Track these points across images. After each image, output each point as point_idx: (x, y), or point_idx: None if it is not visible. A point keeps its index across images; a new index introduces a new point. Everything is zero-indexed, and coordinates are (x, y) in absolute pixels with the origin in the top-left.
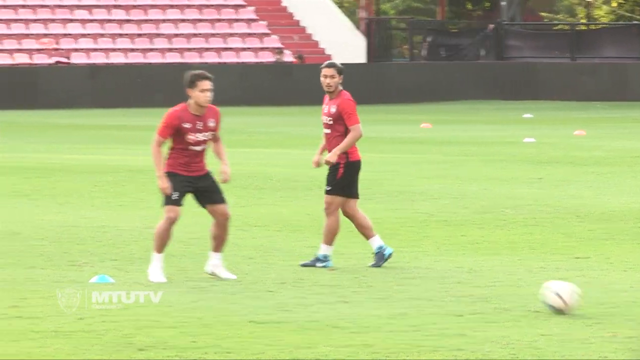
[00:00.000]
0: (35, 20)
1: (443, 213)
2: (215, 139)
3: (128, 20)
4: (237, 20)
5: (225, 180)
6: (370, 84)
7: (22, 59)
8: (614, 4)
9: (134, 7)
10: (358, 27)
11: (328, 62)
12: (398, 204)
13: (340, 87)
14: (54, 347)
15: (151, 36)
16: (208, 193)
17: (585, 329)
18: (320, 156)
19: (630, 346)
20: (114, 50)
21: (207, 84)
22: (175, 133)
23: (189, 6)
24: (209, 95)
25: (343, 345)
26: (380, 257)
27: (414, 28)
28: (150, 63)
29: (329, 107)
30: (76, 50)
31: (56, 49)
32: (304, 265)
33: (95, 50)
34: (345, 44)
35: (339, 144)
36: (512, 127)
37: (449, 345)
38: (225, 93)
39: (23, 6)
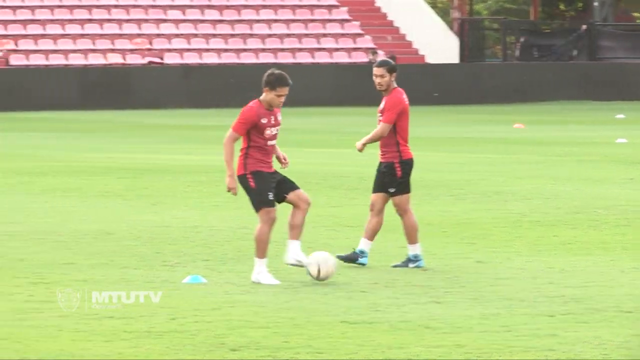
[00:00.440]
0: (128, 21)
1: (535, 213)
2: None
3: (221, 21)
4: (330, 20)
5: (287, 164)
6: (463, 85)
7: (115, 59)
8: None
9: (227, 7)
10: (451, 28)
11: (379, 60)
12: (491, 204)
13: (394, 85)
14: (146, 347)
15: (244, 36)
16: (285, 183)
17: None
18: (364, 146)
19: None
20: (207, 50)
21: (285, 91)
22: (253, 130)
23: (282, 6)
24: (282, 100)
25: (435, 345)
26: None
27: (506, 28)
28: (243, 63)
29: (381, 103)
30: (169, 50)
31: (149, 49)
32: (396, 267)
33: (188, 50)
34: (439, 44)
35: (388, 141)
36: (604, 128)
37: (541, 346)
38: (318, 93)
39: (116, 6)
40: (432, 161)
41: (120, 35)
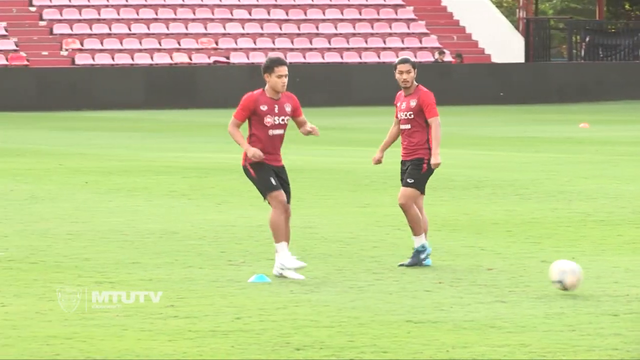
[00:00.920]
0: (194, 20)
1: (600, 213)
2: (300, 123)
3: (287, 20)
4: (396, 20)
5: (315, 132)
6: (529, 84)
7: (181, 58)
8: None
9: (294, 6)
10: (517, 27)
11: (402, 57)
12: (556, 203)
13: (415, 83)
14: (211, 346)
15: (310, 36)
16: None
17: None
18: (382, 154)
19: None
20: (273, 50)
21: (283, 70)
22: (253, 117)
23: (348, 6)
24: (284, 80)
25: (499, 344)
26: (416, 257)
27: (572, 28)
28: (309, 63)
29: (407, 102)
30: (235, 50)
31: (215, 49)
32: (409, 265)
33: (254, 50)
34: (504, 43)
35: (419, 139)
36: None
37: (605, 345)
38: (384, 92)
39: (182, 6)
40: (497, 160)
41: (186, 35)
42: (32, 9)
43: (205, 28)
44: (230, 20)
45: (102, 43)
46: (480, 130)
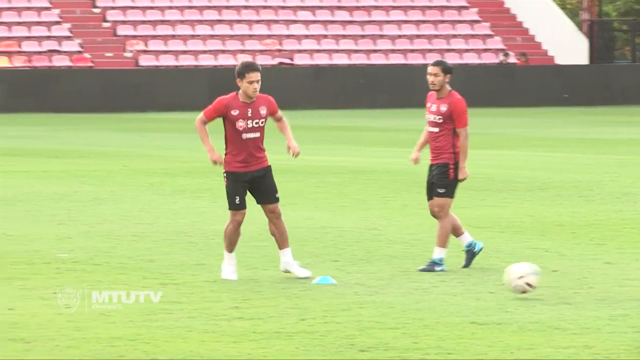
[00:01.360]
0: (258, 22)
1: None
2: (277, 120)
3: (351, 22)
4: (460, 21)
5: (295, 154)
6: (593, 86)
7: (245, 59)
8: None
9: (357, 8)
10: (580, 29)
11: (435, 60)
12: (620, 205)
13: (449, 87)
14: (276, 348)
15: (374, 37)
16: (262, 194)
17: None
18: (419, 153)
19: None
20: (337, 51)
21: (254, 76)
22: (226, 120)
23: (412, 7)
24: (256, 86)
25: (564, 346)
26: (431, 267)
27: (636, 30)
28: (373, 64)
29: (437, 105)
30: (299, 51)
31: (279, 50)
32: (422, 270)
33: (318, 51)
34: (568, 45)
35: (445, 143)
36: None
37: None
38: None
39: (246, 7)
40: (561, 162)
41: (250, 36)
42: (96, 10)
43: (270, 29)
44: (294, 21)
45: (166, 44)
46: (543, 131)
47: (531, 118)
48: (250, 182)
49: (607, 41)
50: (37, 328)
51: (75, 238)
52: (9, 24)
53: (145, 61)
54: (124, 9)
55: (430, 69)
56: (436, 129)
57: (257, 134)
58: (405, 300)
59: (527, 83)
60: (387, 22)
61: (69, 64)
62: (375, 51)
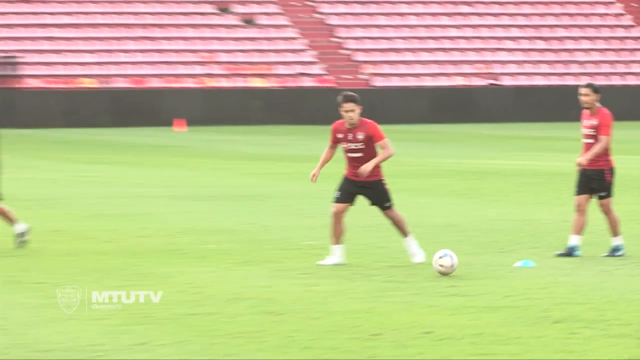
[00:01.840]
0: (470, 50)
1: None
2: (381, 147)
3: (548, 50)
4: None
5: (361, 174)
6: None
7: (460, 81)
8: None
9: (553, 38)
10: None
11: (586, 82)
12: None
13: (598, 104)
14: (485, 320)
15: (567, 62)
16: (374, 198)
17: None
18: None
19: None
20: (536, 74)
21: (348, 106)
22: (337, 141)
23: (598, 38)
24: (350, 114)
25: None
26: (612, 253)
27: None
28: (565, 85)
29: (590, 121)
30: (505, 74)
31: (488, 73)
32: (606, 256)
33: (520, 74)
34: None
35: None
36: None
37: None
38: (627, 112)
39: (461, 37)
40: None
41: (464, 62)
42: (336, 40)
43: (481, 55)
44: (501, 49)
45: (394, 68)
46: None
47: None
48: (359, 188)
49: None
50: (288, 302)
51: (320, 229)
52: (265, 52)
53: (377, 82)
54: (360, 39)
55: (582, 91)
56: (591, 140)
57: (360, 154)
58: (593, 280)
59: None
60: (578, 50)
61: (314, 84)
62: (567, 74)
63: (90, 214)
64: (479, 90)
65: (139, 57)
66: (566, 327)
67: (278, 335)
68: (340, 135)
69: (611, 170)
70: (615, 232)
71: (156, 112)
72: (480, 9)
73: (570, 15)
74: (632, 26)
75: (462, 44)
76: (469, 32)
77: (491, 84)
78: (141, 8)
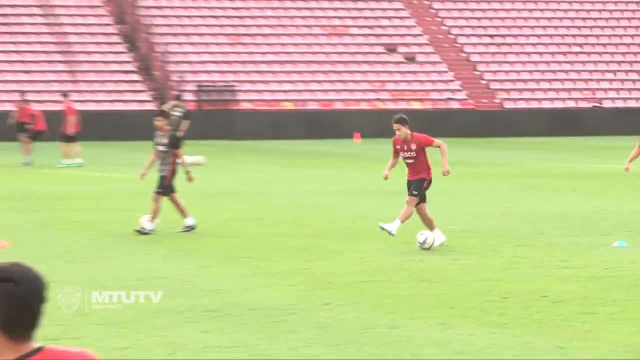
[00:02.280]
0: (578, 80)
1: None
2: (437, 145)
3: (633, 70)
4: None
5: (443, 174)
6: None
7: (571, 103)
8: None
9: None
10: None
11: None
12: None
13: None
14: (589, 286)
15: None
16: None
17: None
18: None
19: None
20: (630, 98)
21: (395, 127)
22: (397, 152)
23: None
24: (398, 132)
25: None
26: None
27: None
28: None
29: None
30: (606, 98)
31: (593, 98)
32: None
33: (618, 98)
34: None
35: None
36: None
37: None
38: None
39: (571, 71)
40: None
41: (575, 89)
42: (477, 72)
43: (587, 84)
44: (602, 80)
45: (521, 94)
46: None
47: None
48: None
49: None
50: (437, 272)
51: (466, 217)
52: (422, 81)
53: (507, 104)
54: (495, 72)
55: None
56: None
57: (412, 161)
58: None
59: None
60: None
61: (459, 106)
62: None
63: (287, 205)
64: (586, 111)
65: (327, 86)
66: None
67: (430, 298)
68: (398, 147)
69: None
70: None
71: (339, 128)
72: (587, 49)
73: None
74: None
75: (573, 76)
76: (578, 67)
77: (594, 106)
78: (329, 49)
